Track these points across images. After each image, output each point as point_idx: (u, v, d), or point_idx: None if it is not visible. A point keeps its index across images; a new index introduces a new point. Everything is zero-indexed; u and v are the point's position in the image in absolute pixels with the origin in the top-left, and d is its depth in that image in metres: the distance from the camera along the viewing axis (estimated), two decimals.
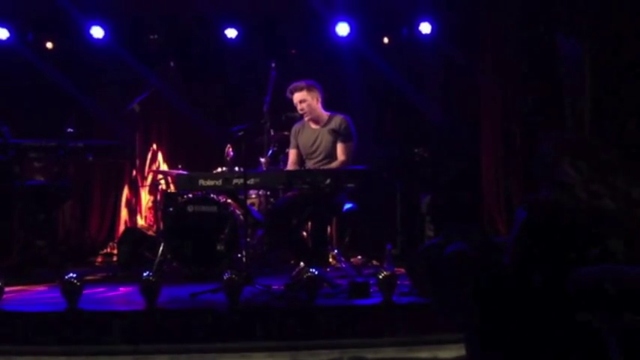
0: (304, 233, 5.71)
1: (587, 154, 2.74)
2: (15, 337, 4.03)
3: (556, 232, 2.62)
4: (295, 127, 5.60)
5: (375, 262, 6.38)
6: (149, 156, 7.73)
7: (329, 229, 5.83)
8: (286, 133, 5.78)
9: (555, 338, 2.54)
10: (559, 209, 2.66)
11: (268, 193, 5.85)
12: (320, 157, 5.44)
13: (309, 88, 5.40)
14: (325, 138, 5.42)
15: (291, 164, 5.56)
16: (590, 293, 2.43)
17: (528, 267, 2.64)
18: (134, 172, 7.33)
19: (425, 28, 7.07)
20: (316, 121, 5.48)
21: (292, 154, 5.59)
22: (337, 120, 5.40)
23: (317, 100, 5.44)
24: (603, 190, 2.69)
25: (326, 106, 5.56)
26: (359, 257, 6.67)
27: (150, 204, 7.56)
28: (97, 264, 6.93)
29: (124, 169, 7.56)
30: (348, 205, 5.40)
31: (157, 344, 4.00)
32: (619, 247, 2.60)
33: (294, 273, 5.09)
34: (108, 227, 7.59)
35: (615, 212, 2.63)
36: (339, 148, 5.35)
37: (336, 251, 5.95)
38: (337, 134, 5.35)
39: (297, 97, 5.40)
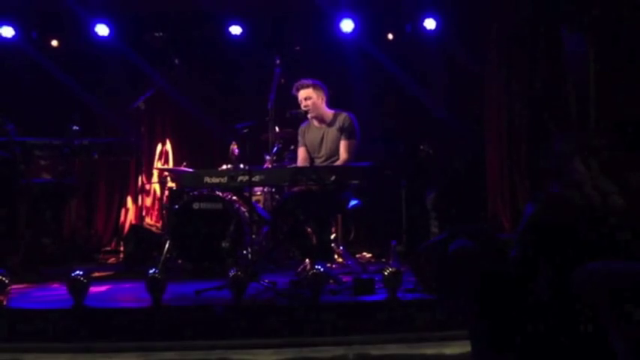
0: (309, 230, 5.71)
1: (598, 151, 2.74)
2: (22, 334, 4.05)
3: (564, 228, 2.62)
4: (302, 127, 5.66)
5: (380, 259, 6.38)
6: (154, 153, 7.75)
7: (334, 225, 5.83)
8: (291, 130, 5.79)
9: (560, 334, 2.54)
10: (569, 206, 2.66)
11: (273, 190, 5.86)
12: (325, 157, 5.46)
13: (315, 87, 5.45)
14: (330, 137, 5.46)
15: (301, 161, 5.60)
16: (595, 290, 2.43)
17: (534, 262, 2.65)
18: (140, 170, 7.34)
19: (429, 24, 7.06)
20: (320, 119, 5.52)
21: (301, 151, 5.64)
22: (341, 117, 5.44)
23: (322, 99, 5.48)
24: (613, 188, 2.70)
25: (330, 103, 5.58)
26: (364, 254, 6.68)
27: (155, 201, 7.58)
28: (103, 261, 6.95)
29: (129, 167, 7.57)
30: (353, 202, 5.41)
31: (162, 341, 4.01)
32: (628, 244, 2.60)
33: (299, 270, 5.11)
34: (114, 225, 7.61)
35: (624, 209, 2.62)
36: (342, 145, 5.38)
37: (341, 248, 5.96)
38: (341, 131, 5.38)
39: (302, 94, 5.44)
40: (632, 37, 5.02)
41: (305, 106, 5.44)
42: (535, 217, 2.70)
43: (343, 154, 5.36)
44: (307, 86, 5.44)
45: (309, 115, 5.50)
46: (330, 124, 5.48)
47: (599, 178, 2.69)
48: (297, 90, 5.46)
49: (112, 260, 6.98)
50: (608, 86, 5.12)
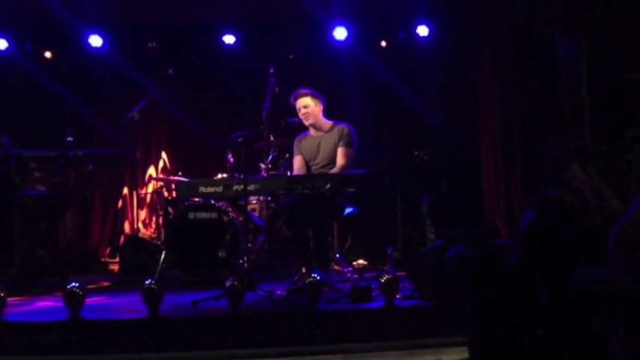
0: (306, 238, 5.70)
1: (596, 158, 2.76)
2: (18, 347, 4.03)
3: (564, 232, 2.63)
4: (298, 138, 5.66)
5: (376, 266, 6.37)
6: (149, 164, 7.73)
7: (330, 233, 5.82)
8: (283, 138, 5.79)
9: (559, 338, 2.54)
10: (568, 210, 2.67)
11: (269, 198, 5.85)
12: (321, 164, 5.46)
13: (312, 96, 5.50)
14: (327, 144, 5.46)
15: (297, 171, 5.57)
16: (593, 294, 2.43)
17: (534, 266, 2.65)
18: (134, 180, 7.32)
19: (422, 30, 7.07)
20: (318, 128, 5.55)
21: (297, 160, 5.62)
22: (340, 128, 5.48)
23: (319, 108, 5.52)
24: (611, 193, 2.71)
25: (326, 111, 5.59)
26: (360, 261, 6.66)
27: (151, 212, 7.56)
28: (99, 272, 6.92)
29: (124, 177, 7.56)
30: (348, 209, 5.41)
31: (159, 352, 4.01)
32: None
33: (296, 278, 5.10)
34: (109, 236, 7.58)
35: (623, 213, 2.63)
36: (340, 152, 5.38)
37: (337, 255, 5.95)
38: (339, 140, 5.39)
39: (300, 102, 5.46)
40: (625, 42, 5.05)
41: (303, 115, 5.47)
42: (535, 221, 2.71)
43: (340, 160, 5.36)
44: (305, 95, 5.47)
45: (307, 123, 5.51)
46: (327, 133, 5.51)
47: (598, 184, 2.71)
48: (296, 99, 5.48)
49: (108, 271, 6.95)
50: (601, 91, 5.14)
